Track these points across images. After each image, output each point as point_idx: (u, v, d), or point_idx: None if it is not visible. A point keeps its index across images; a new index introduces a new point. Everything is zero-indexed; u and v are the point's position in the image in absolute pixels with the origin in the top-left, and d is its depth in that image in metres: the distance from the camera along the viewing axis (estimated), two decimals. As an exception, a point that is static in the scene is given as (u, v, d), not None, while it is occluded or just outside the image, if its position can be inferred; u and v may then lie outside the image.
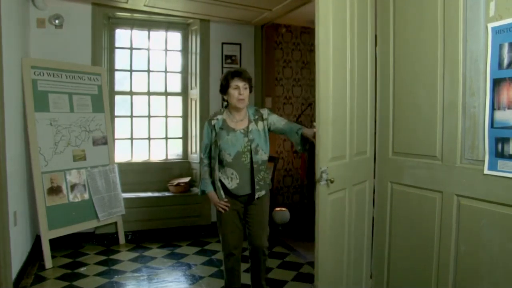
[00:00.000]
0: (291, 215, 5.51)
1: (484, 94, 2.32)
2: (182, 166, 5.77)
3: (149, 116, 5.68)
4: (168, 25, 5.65)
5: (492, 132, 2.27)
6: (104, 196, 4.79)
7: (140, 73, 5.64)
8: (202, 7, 4.96)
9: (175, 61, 5.83)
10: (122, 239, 4.98)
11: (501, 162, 2.23)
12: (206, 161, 3.21)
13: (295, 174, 6.39)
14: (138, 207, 5.13)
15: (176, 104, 5.86)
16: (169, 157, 5.81)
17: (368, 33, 3.08)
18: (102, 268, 4.17)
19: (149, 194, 5.35)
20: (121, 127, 5.52)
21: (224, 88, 3.16)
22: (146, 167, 5.58)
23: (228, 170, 3.10)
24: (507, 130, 2.19)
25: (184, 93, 5.83)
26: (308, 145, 3.11)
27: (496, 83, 2.23)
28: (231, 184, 3.11)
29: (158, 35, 5.70)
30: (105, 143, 4.93)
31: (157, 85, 5.73)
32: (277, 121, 3.21)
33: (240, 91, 3.09)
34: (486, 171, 2.31)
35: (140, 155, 5.65)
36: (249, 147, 3.08)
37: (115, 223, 4.95)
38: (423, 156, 2.77)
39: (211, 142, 3.15)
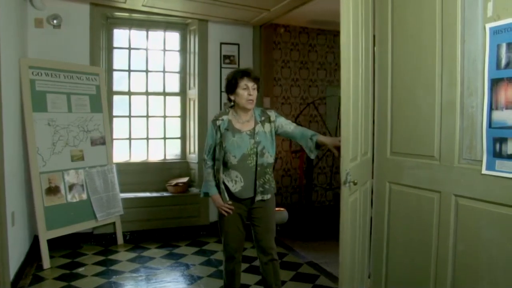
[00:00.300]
0: (290, 215, 5.52)
1: (482, 94, 2.32)
2: (180, 166, 5.77)
3: (147, 116, 5.68)
4: (167, 25, 5.65)
5: (490, 132, 2.28)
6: (102, 196, 4.78)
7: (138, 73, 5.63)
8: (201, 7, 4.96)
9: (174, 61, 5.82)
10: (120, 239, 4.98)
11: (499, 162, 2.23)
12: (209, 163, 3.09)
13: (294, 174, 6.39)
14: (136, 207, 5.13)
15: (174, 104, 5.85)
16: (167, 157, 5.81)
17: (370, 33, 3.08)
18: (100, 269, 4.17)
19: (148, 194, 5.35)
20: (119, 127, 5.52)
21: (232, 88, 3.02)
22: (145, 167, 5.58)
23: (233, 173, 3.00)
24: (505, 130, 2.19)
25: (183, 93, 5.83)
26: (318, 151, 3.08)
27: (494, 83, 2.24)
28: (235, 187, 3.01)
29: (157, 35, 5.70)
30: (103, 143, 4.92)
31: (156, 85, 5.73)
32: (285, 124, 3.13)
33: (249, 91, 2.98)
34: (484, 171, 2.31)
35: (138, 155, 5.65)
36: (255, 150, 2.98)
37: (114, 223, 4.94)
38: (421, 156, 2.77)
39: (215, 143, 3.05)
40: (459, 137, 2.49)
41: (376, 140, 3.18)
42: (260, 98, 5.72)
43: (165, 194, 5.40)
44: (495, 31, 2.22)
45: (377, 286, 3.25)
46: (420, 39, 2.74)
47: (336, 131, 5.98)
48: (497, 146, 2.24)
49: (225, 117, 3.05)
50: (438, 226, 2.65)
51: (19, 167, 4.05)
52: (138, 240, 5.12)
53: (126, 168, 5.35)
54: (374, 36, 3.21)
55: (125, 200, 5.04)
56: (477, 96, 2.37)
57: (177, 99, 5.85)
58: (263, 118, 3.08)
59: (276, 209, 5.46)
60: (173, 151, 5.87)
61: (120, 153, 5.49)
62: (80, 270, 4.12)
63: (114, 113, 5.45)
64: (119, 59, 5.49)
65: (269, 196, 3.08)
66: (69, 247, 4.73)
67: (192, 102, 5.71)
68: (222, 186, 3.03)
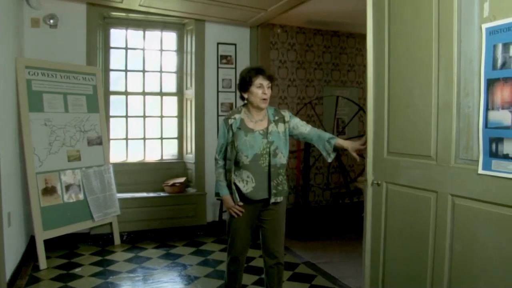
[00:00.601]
0: (287, 215, 5.50)
1: (478, 95, 2.33)
2: (177, 166, 5.77)
3: (144, 116, 5.67)
4: (163, 25, 5.64)
5: (486, 132, 2.28)
6: (99, 196, 4.77)
7: (135, 73, 5.62)
8: (198, 7, 4.95)
9: (170, 61, 5.82)
10: (117, 240, 4.97)
11: (495, 162, 2.24)
12: (221, 162, 3.02)
13: (291, 174, 6.39)
14: (133, 207, 5.13)
15: (171, 104, 5.85)
16: (164, 157, 5.80)
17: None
18: (97, 269, 4.16)
19: (144, 194, 5.34)
20: (116, 127, 5.51)
21: (246, 86, 2.93)
22: (141, 167, 5.57)
23: (244, 173, 2.92)
24: (501, 130, 2.20)
25: (179, 93, 5.82)
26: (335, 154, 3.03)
27: (490, 83, 2.24)
28: (246, 188, 2.92)
29: (153, 35, 5.69)
30: (100, 143, 4.92)
31: (152, 85, 5.72)
32: (301, 125, 3.04)
33: (264, 90, 2.90)
34: (480, 171, 2.32)
35: (135, 155, 5.64)
36: (268, 150, 2.90)
37: (110, 223, 4.93)
38: (418, 156, 2.77)
39: (227, 142, 2.97)
40: (456, 137, 2.49)
41: (373, 140, 3.19)
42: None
43: (162, 194, 5.39)
44: (491, 32, 2.23)
45: (374, 284, 3.25)
46: (417, 39, 2.75)
47: (333, 131, 5.99)
48: (493, 146, 2.25)
49: (237, 116, 2.97)
50: (434, 225, 2.66)
51: (15, 168, 4.03)
52: (135, 240, 5.12)
53: (123, 168, 5.34)
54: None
55: (122, 200, 5.03)
56: (473, 96, 2.37)
57: (174, 99, 5.85)
58: (276, 118, 3.00)
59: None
60: (170, 151, 5.86)
61: (117, 153, 5.49)
62: (77, 270, 4.11)
63: (111, 113, 5.44)
64: (116, 59, 5.48)
65: (281, 198, 3.00)
66: (65, 248, 4.72)
67: (189, 102, 5.71)
68: (233, 187, 2.95)
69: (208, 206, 5.57)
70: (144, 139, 5.69)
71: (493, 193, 2.25)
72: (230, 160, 2.94)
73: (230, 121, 2.95)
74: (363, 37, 3.16)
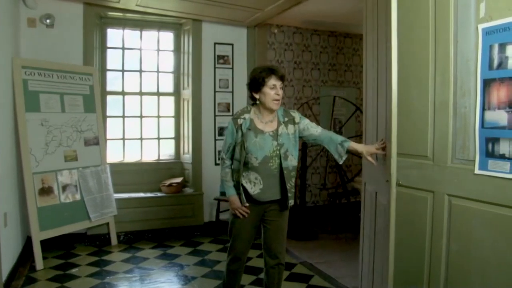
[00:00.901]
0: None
1: (474, 95, 2.33)
2: (174, 166, 5.76)
3: (141, 116, 5.67)
4: (161, 25, 5.64)
5: (482, 132, 2.29)
6: (96, 196, 4.76)
7: (132, 73, 5.62)
8: (195, 7, 4.95)
9: (167, 61, 5.81)
10: (114, 240, 4.96)
11: (491, 162, 2.25)
12: (228, 162, 2.95)
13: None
14: (130, 207, 5.12)
15: (168, 104, 5.84)
16: (161, 158, 5.80)
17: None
18: (94, 269, 4.15)
19: (142, 194, 5.34)
20: (113, 127, 5.50)
21: (258, 86, 2.85)
22: (138, 167, 5.57)
23: (252, 175, 2.87)
24: (497, 130, 2.20)
25: (176, 93, 5.82)
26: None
27: (487, 83, 2.25)
28: (254, 190, 2.87)
29: (150, 35, 5.68)
30: (97, 143, 4.91)
31: (149, 85, 5.72)
32: (311, 127, 2.99)
33: (277, 91, 2.84)
34: (477, 171, 2.33)
35: (132, 156, 5.63)
36: (277, 152, 2.85)
37: (107, 223, 4.92)
38: (414, 156, 2.78)
39: (235, 142, 2.90)
40: (452, 137, 2.50)
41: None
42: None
43: (159, 194, 5.39)
44: (487, 32, 2.24)
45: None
46: (414, 39, 2.75)
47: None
48: (490, 146, 2.25)
49: (247, 116, 2.90)
50: (431, 225, 2.66)
51: (11, 168, 4.02)
52: (132, 240, 5.11)
53: (120, 169, 5.33)
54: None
55: (119, 200, 5.02)
56: (469, 97, 2.38)
57: (171, 99, 5.84)
58: (286, 119, 2.94)
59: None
60: (167, 151, 5.86)
61: (114, 153, 5.48)
62: (74, 271, 4.10)
63: (108, 113, 5.43)
64: (112, 59, 5.47)
65: (293, 202, 2.98)
66: (62, 248, 4.71)
67: (186, 102, 5.70)
68: (240, 188, 2.90)
69: (205, 206, 5.57)
70: (141, 139, 5.68)
71: (490, 193, 2.26)
72: (238, 160, 2.89)
73: (240, 121, 2.88)
74: (360, 37, 3.19)
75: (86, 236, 4.93)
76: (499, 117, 2.19)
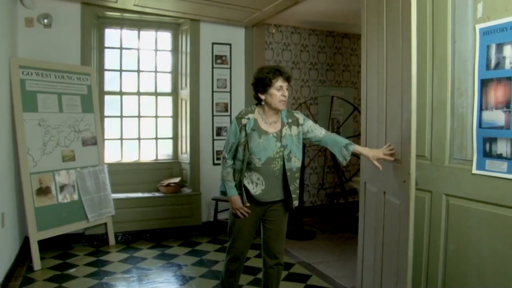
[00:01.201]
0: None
1: (472, 95, 2.34)
2: (172, 166, 5.76)
3: (139, 116, 5.66)
4: (158, 25, 5.63)
5: (480, 132, 2.30)
6: (93, 196, 4.75)
7: (130, 73, 5.61)
8: (193, 7, 4.95)
9: (165, 61, 5.81)
10: (112, 240, 4.95)
11: (489, 162, 2.26)
12: (230, 162, 2.91)
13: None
14: (128, 207, 5.11)
15: (166, 104, 5.84)
16: (159, 158, 5.79)
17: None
18: (91, 269, 4.14)
19: (139, 194, 5.33)
20: (110, 128, 5.49)
21: (265, 87, 2.82)
22: (136, 167, 5.56)
23: (254, 175, 2.85)
24: (495, 130, 2.21)
25: (174, 93, 5.81)
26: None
27: (484, 83, 2.26)
28: (255, 190, 2.85)
29: (148, 35, 5.68)
30: (95, 143, 4.90)
31: (147, 85, 5.71)
32: (315, 129, 2.96)
33: (283, 92, 2.81)
34: (474, 171, 2.34)
35: (130, 156, 5.62)
36: (281, 154, 2.83)
37: (105, 224, 4.92)
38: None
39: (238, 142, 2.86)
40: (450, 137, 2.51)
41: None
42: (252, 98, 5.72)
43: (157, 194, 5.38)
44: (485, 32, 2.25)
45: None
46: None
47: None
48: (487, 146, 2.26)
49: (251, 116, 2.86)
50: (429, 225, 2.67)
51: (9, 168, 4.01)
52: (130, 240, 5.10)
53: (117, 169, 5.33)
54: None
55: (116, 200, 5.01)
56: (467, 97, 2.39)
57: (169, 99, 5.84)
58: (290, 120, 2.92)
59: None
60: (165, 151, 5.85)
61: (112, 153, 5.47)
62: (71, 271, 4.10)
63: (106, 113, 5.42)
64: (110, 59, 5.46)
65: (297, 203, 2.97)
66: (60, 248, 4.70)
67: (184, 102, 5.70)
68: (242, 188, 2.88)
69: (203, 206, 5.57)
70: (139, 139, 5.68)
71: (487, 193, 2.27)
72: (240, 160, 2.86)
73: (244, 121, 2.84)
74: (358, 37, 3.18)
75: (84, 236, 4.92)
76: (496, 117, 2.20)
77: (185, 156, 5.67)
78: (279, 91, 2.80)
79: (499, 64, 2.17)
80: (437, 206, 2.59)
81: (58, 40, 4.82)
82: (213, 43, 5.66)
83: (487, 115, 2.25)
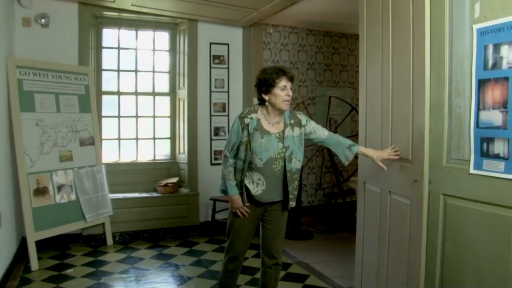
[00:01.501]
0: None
1: (469, 95, 2.35)
2: (170, 166, 5.75)
3: (136, 116, 5.65)
4: (156, 25, 5.62)
5: (477, 132, 2.30)
6: (91, 196, 4.75)
7: (127, 73, 5.60)
8: (190, 7, 4.95)
9: (163, 61, 5.80)
10: (109, 240, 4.94)
11: (486, 162, 2.26)
12: (231, 161, 2.89)
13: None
14: (126, 207, 5.11)
15: (164, 104, 5.83)
16: (157, 158, 5.78)
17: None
18: (89, 270, 4.14)
19: (137, 194, 5.32)
20: (108, 127, 5.48)
21: (268, 87, 2.81)
22: (134, 167, 5.55)
23: (255, 175, 2.85)
24: (492, 130, 2.22)
25: (172, 93, 5.81)
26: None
27: (481, 83, 2.26)
28: (256, 190, 2.85)
29: (146, 35, 5.67)
30: (92, 143, 4.89)
31: (145, 85, 5.70)
32: (318, 130, 2.97)
33: (288, 92, 2.80)
34: (471, 171, 2.34)
35: (127, 156, 5.62)
36: (282, 154, 2.82)
37: (103, 224, 4.91)
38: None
39: (240, 141, 2.85)
40: (447, 137, 2.51)
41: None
42: (250, 98, 5.73)
43: (154, 194, 5.38)
44: (482, 32, 2.25)
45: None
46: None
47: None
48: (484, 146, 2.27)
49: (254, 115, 2.85)
50: (427, 224, 2.67)
51: (6, 168, 4.00)
52: (127, 241, 5.10)
53: (115, 169, 5.32)
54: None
55: (114, 200, 5.00)
56: (464, 97, 2.39)
57: (167, 99, 5.83)
58: (292, 121, 2.91)
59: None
60: (162, 151, 5.85)
61: (109, 154, 5.46)
62: (69, 271, 4.09)
63: (103, 113, 5.41)
64: (108, 59, 5.45)
65: (294, 204, 2.97)
66: (57, 248, 4.69)
67: (181, 102, 5.69)
68: (243, 187, 2.88)
69: (201, 206, 5.56)
70: (137, 139, 5.67)
71: (484, 193, 2.27)
72: (242, 160, 2.86)
73: (247, 120, 2.83)
74: (356, 37, 3.18)
75: (82, 237, 4.91)
76: (493, 117, 2.20)
77: (183, 156, 5.67)
78: (283, 91, 2.80)
79: (496, 64, 2.18)
80: (434, 206, 2.60)
81: (55, 40, 4.81)
82: (211, 43, 5.66)
83: (485, 115, 2.25)
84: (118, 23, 5.45)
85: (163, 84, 5.82)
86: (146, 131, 5.74)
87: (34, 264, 4.11)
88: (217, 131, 5.75)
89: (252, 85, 5.68)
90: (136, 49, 5.61)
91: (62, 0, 4.82)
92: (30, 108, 4.36)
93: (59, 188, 4.50)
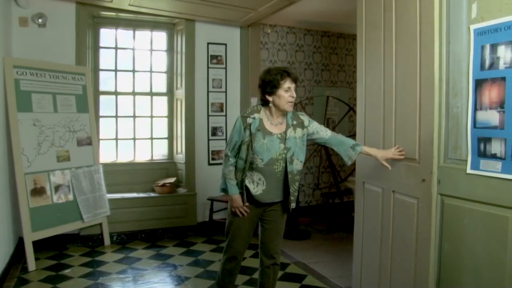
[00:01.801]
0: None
1: (466, 95, 2.36)
2: (167, 166, 5.75)
3: (134, 116, 5.64)
4: (154, 25, 5.62)
5: (474, 132, 2.31)
6: (89, 197, 4.74)
7: (125, 73, 5.59)
8: (188, 7, 4.94)
9: (161, 61, 5.80)
10: (107, 240, 4.94)
11: (483, 162, 2.27)
12: (232, 160, 2.89)
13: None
14: (123, 208, 5.10)
15: (161, 104, 5.82)
16: (154, 158, 5.78)
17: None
18: (87, 270, 4.13)
19: (135, 194, 5.32)
20: (106, 128, 5.47)
21: (272, 89, 2.80)
22: (131, 167, 5.54)
23: (256, 175, 2.84)
24: (489, 130, 2.22)
25: (170, 93, 5.80)
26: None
27: (478, 84, 2.27)
28: (256, 190, 2.85)
29: (143, 35, 5.66)
30: (90, 143, 4.88)
31: (142, 85, 5.69)
32: (321, 131, 2.97)
33: (292, 93, 2.81)
34: (469, 171, 2.35)
35: (125, 156, 5.61)
36: (284, 156, 2.82)
37: (100, 224, 4.90)
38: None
39: (241, 140, 2.84)
40: (445, 137, 2.52)
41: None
42: (248, 98, 5.73)
43: (152, 194, 5.37)
44: (479, 33, 2.26)
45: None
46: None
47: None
48: (481, 146, 2.27)
49: (256, 116, 2.84)
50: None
51: (3, 168, 3.99)
52: (125, 241, 5.09)
53: (112, 169, 5.31)
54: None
55: (112, 200, 5.00)
56: (462, 97, 2.40)
57: (164, 99, 5.83)
58: (295, 123, 2.90)
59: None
60: (160, 151, 5.84)
61: (107, 154, 5.45)
62: (66, 271, 4.08)
63: (101, 113, 5.40)
64: (105, 59, 5.44)
65: (294, 205, 2.97)
66: (55, 249, 4.68)
67: (179, 102, 5.69)
68: (243, 187, 2.88)
69: (198, 207, 5.56)
70: (134, 139, 5.66)
71: (481, 192, 2.28)
72: (243, 159, 2.84)
73: (249, 120, 2.82)
74: (353, 37, 3.18)
75: (79, 237, 4.90)
76: (490, 117, 2.21)
77: (180, 156, 5.66)
78: (287, 92, 2.79)
79: (493, 65, 2.18)
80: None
81: (52, 39, 4.80)
82: (208, 43, 5.66)
83: (482, 115, 2.26)
84: (115, 23, 5.44)
85: (160, 84, 5.81)
86: (144, 131, 5.73)
87: (31, 264, 4.10)
88: (214, 131, 5.75)
89: (250, 85, 5.74)
90: (133, 49, 5.60)
91: (60, 0, 4.81)
92: (28, 108, 4.35)
93: (57, 188, 4.50)
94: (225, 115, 5.78)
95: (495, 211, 2.20)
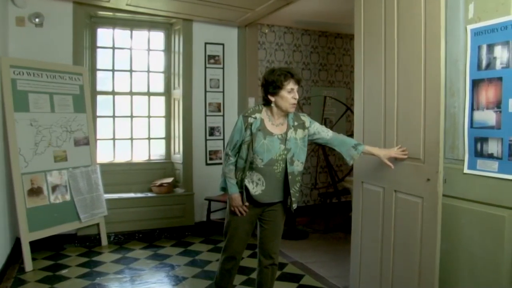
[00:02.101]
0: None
1: (463, 95, 2.36)
2: (165, 166, 5.74)
3: (131, 116, 5.64)
4: (151, 25, 5.61)
5: (471, 132, 2.32)
6: (86, 197, 4.73)
7: (122, 73, 5.58)
8: (185, 7, 4.94)
9: (158, 61, 5.79)
10: (104, 241, 4.93)
11: (480, 162, 2.27)
12: (232, 159, 2.88)
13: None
14: (120, 208, 5.09)
15: (158, 104, 5.82)
16: (152, 158, 5.77)
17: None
18: (84, 270, 4.12)
19: (132, 194, 5.31)
20: (103, 128, 5.46)
21: (275, 89, 2.78)
22: (129, 167, 5.53)
23: (255, 175, 2.83)
24: (486, 130, 2.23)
25: (167, 93, 5.80)
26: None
27: (475, 84, 2.28)
28: (255, 190, 2.84)
29: (141, 35, 5.66)
30: (87, 143, 4.87)
31: (140, 85, 5.69)
32: (322, 131, 2.96)
33: (294, 94, 2.79)
34: (466, 170, 2.36)
35: (122, 156, 5.60)
36: (284, 156, 2.81)
37: (97, 224, 4.89)
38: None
39: (242, 140, 2.82)
40: (442, 137, 2.53)
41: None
42: (245, 98, 5.73)
43: (149, 194, 5.36)
44: (476, 33, 2.26)
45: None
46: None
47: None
48: (478, 145, 2.28)
49: (258, 116, 2.82)
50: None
51: (0, 168, 3.98)
52: (122, 241, 5.08)
53: (110, 169, 5.30)
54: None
55: (109, 201, 4.99)
56: (459, 97, 2.41)
57: (162, 99, 5.82)
58: (296, 123, 2.90)
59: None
60: (157, 151, 5.83)
61: (104, 154, 5.44)
62: (64, 272, 4.07)
63: (98, 113, 5.39)
64: (102, 59, 5.43)
65: (296, 206, 2.96)
66: (52, 249, 4.67)
67: (176, 102, 5.68)
68: (243, 187, 2.87)
69: (196, 207, 5.56)
70: (132, 139, 5.65)
71: (478, 192, 2.29)
72: (243, 159, 2.84)
73: (250, 120, 2.81)
74: (351, 37, 3.19)
75: (76, 237, 4.89)
76: (487, 117, 2.22)
77: (178, 156, 5.66)
78: (290, 94, 2.78)
79: (490, 65, 2.19)
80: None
81: (49, 39, 4.79)
82: (206, 43, 5.65)
83: (478, 115, 2.27)
84: (112, 22, 5.43)
85: (158, 84, 5.81)
86: (141, 131, 5.72)
87: (28, 265, 4.09)
88: (212, 131, 5.75)
89: (248, 85, 5.74)
90: (131, 49, 5.59)
91: (57, 0, 4.79)
92: (24, 108, 4.34)
93: (54, 188, 4.48)
94: (223, 115, 5.77)
95: (492, 210, 2.21)
